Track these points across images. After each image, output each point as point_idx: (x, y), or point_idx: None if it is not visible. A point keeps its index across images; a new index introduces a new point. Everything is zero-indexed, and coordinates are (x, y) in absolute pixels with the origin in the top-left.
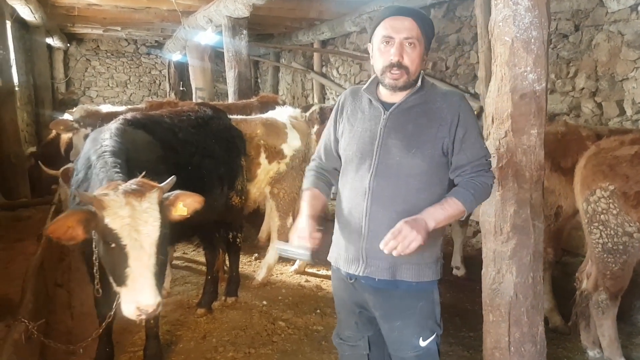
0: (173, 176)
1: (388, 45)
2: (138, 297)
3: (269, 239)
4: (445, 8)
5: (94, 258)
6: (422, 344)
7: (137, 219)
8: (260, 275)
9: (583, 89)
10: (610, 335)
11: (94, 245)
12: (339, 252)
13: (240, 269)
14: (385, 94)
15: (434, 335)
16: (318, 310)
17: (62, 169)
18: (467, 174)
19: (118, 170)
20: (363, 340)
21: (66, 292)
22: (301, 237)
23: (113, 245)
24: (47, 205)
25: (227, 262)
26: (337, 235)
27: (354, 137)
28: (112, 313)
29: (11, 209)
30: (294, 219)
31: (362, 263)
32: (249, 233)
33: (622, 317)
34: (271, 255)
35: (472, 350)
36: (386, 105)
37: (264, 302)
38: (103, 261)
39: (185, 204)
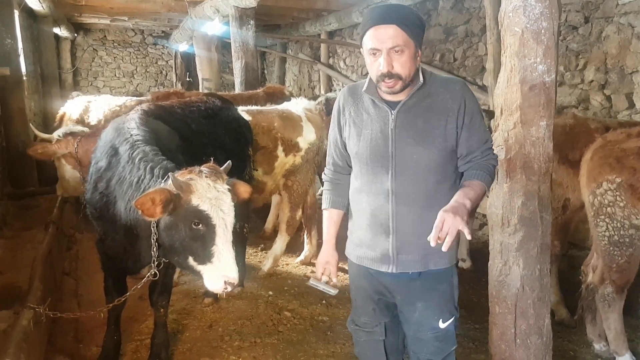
0: (229, 161)
1: (375, 56)
2: (225, 271)
3: (275, 230)
4: None
5: (153, 241)
6: (442, 325)
7: (220, 200)
8: (266, 266)
9: (592, 81)
10: (616, 329)
11: (154, 230)
12: (364, 252)
13: (246, 260)
14: (387, 92)
15: (453, 318)
16: (324, 301)
17: (56, 135)
18: (478, 159)
19: (164, 158)
20: (380, 327)
21: (73, 280)
22: (327, 274)
23: (200, 226)
24: (55, 194)
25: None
26: (358, 235)
27: (365, 140)
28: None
29: (19, 197)
30: (303, 212)
31: (393, 261)
32: (255, 224)
33: (629, 311)
34: (277, 246)
35: (478, 342)
36: (391, 104)
37: (270, 293)
38: (180, 243)
39: (238, 192)
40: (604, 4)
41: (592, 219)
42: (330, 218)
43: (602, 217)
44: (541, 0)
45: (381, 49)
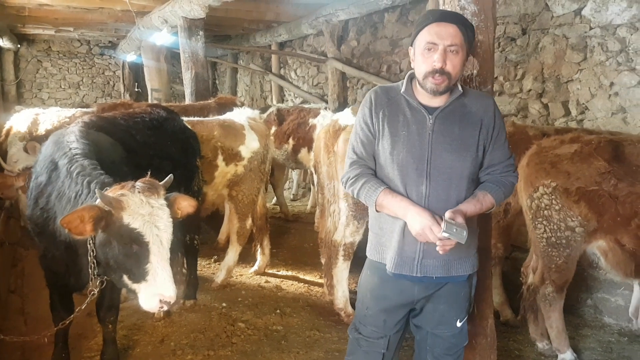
0: (171, 175)
1: (431, 51)
2: (161, 290)
3: (228, 241)
4: (398, 12)
5: (90, 258)
6: (458, 324)
7: (154, 216)
8: (219, 277)
9: (530, 90)
10: (558, 327)
11: (91, 247)
12: (391, 256)
13: (199, 271)
14: (424, 96)
15: (467, 316)
16: (278, 311)
17: (17, 169)
18: (498, 173)
19: (102, 172)
20: (384, 339)
21: (19, 297)
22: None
23: (133, 243)
24: None
25: (185, 265)
26: (384, 238)
27: (401, 141)
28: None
29: None
30: (253, 221)
31: (418, 264)
32: (207, 235)
33: (570, 310)
34: (229, 257)
35: None
36: (428, 109)
37: (224, 304)
38: (114, 260)
39: (180, 207)
40: (540, 16)
41: (530, 222)
42: (392, 193)
43: (540, 219)
44: (477, 15)
45: (439, 44)
